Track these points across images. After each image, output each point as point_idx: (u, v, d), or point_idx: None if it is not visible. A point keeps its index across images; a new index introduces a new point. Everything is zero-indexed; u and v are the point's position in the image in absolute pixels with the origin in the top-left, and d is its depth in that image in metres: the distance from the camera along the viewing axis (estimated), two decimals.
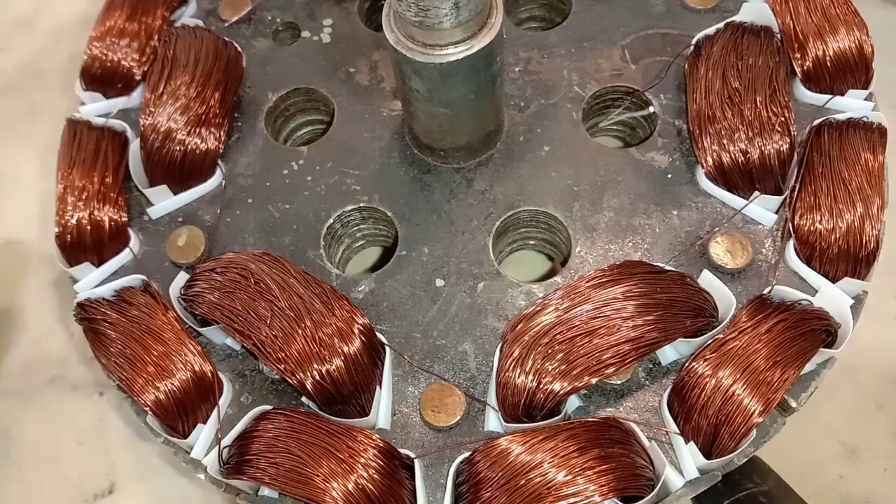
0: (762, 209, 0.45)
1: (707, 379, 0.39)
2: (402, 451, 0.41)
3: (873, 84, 0.47)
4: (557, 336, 0.40)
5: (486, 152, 0.49)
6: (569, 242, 0.46)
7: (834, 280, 0.43)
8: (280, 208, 0.49)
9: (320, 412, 0.42)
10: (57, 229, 0.47)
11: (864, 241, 0.42)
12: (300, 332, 0.41)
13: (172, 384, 0.42)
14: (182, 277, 0.45)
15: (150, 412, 0.42)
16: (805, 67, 0.47)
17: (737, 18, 0.49)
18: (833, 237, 0.42)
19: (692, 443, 0.39)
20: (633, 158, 0.48)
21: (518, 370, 0.40)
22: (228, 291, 0.43)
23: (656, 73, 0.50)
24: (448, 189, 0.48)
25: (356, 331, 0.42)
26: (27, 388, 0.55)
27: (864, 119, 0.45)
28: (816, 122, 0.46)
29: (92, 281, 0.47)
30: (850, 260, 0.42)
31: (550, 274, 0.49)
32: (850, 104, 0.47)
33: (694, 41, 0.49)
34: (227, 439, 0.41)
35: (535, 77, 0.51)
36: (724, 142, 0.45)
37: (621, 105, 0.51)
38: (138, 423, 0.43)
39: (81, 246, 0.47)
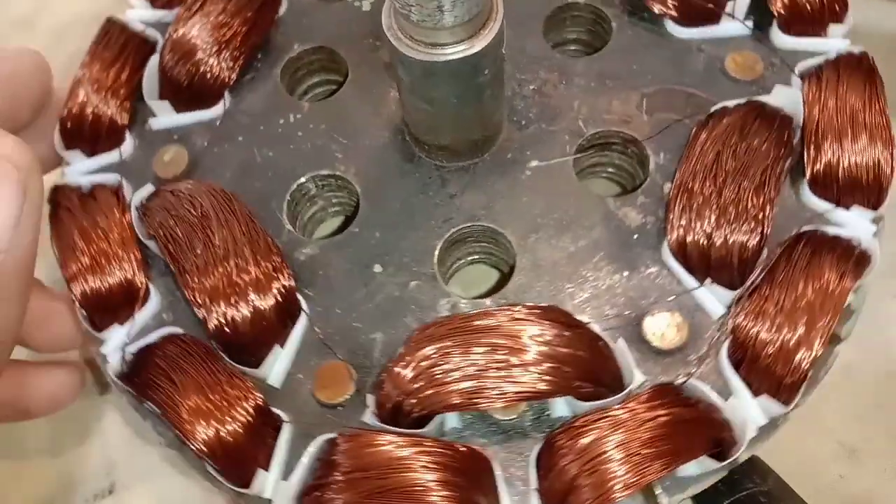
0: (713, 299, 0.43)
1: (572, 442, 0.39)
2: (276, 410, 0.43)
3: (884, 207, 0.44)
4: (453, 350, 0.40)
5: (470, 158, 0.49)
6: (512, 271, 0.46)
7: (756, 394, 0.41)
8: (263, 153, 0.50)
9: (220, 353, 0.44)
10: (64, 111, 0.50)
11: (791, 366, 0.39)
12: (220, 270, 0.43)
13: (102, 281, 0.45)
14: (147, 189, 0.48)
15: (77, 302, 0.45)
16: (815, 170, 0.44)
17: (764, 98, 0.47)
18: (766, 350, 0.40)
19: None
20: (607, 209, 0.47)
21: (404, 369, 0.40)
22: (175, 215, 0.45)
23: (667, 130, 0.48)
24: (422, 183, 0.49)
25: (275, 288, 0.44)
26: None
27: (850, 240, 0.42)
28: (805, 228, 0.44)
29: (79, 169, 0.50)
30: (774, 380, 0.40)
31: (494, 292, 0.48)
32: (851, 221, 0.44)
33: (712, 109, 0.47)
34: (133, 347, 0.44)
35: (545, 100, 0.50)
36: (693, 218, 0.43)
37: (615, 149, 0.49)
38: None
39: (79, 133, 0.50)
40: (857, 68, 0.46)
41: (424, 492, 0.38)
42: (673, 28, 0.51)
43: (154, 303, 0.46)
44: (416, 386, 0.40)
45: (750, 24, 0.50)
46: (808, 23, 0.49)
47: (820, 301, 0.40)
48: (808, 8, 0.49)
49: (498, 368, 0.39)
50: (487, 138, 0.48)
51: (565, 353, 0.40)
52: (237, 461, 0.41)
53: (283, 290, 0.44)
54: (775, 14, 0.49)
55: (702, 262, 0.43)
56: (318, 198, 0.51)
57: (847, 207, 0.44)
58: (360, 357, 0.44)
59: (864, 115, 0.44)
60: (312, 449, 0.41)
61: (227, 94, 0.52)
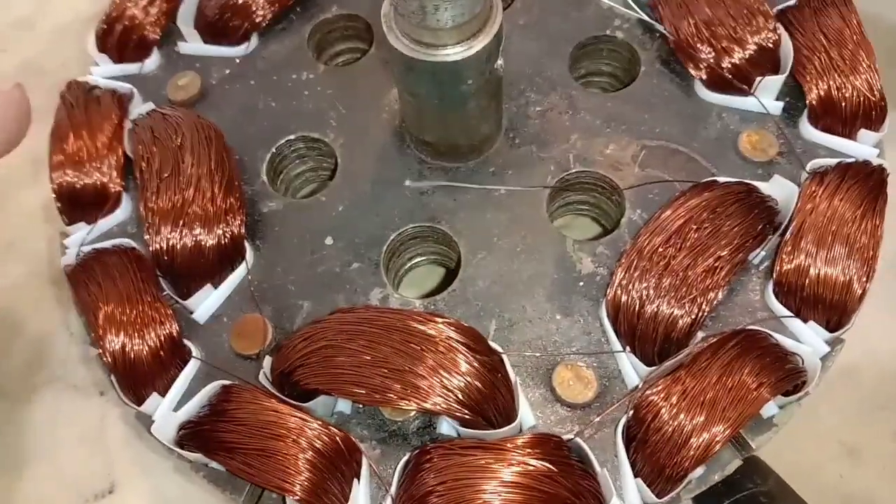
0: (631, 368, 0.42)
1: (439, 461, 0.39)
2: (189, 344, 0.44)
3: (843, 332, 0.41)
4: (357, 339, 0.40)
5: (453, 162, 0.49)
6: (450, 282, 0.46)
7: (637, 474, 0.39)
8: (266, 102, 0.52)
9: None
10: (104, 15, 0.53)
11: (676, 460, 0.38)
12: (176, 197, 0.45)
13: (79, 177, 0.48)
14: (147, 107, 0.50)
15: (53, 192, 0.48)
16: (783, 270, 0.42)
17: (759, 184, 0.44)
18: (657, 436, 0.39)
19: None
20: (564, 249, 0.46)
21: (303, 342, 0.41)
22: (157, 136, 0.47)
23: (653, 186, 0.47)
24: (400, 171, 0.49)
25: (222, 230, 0.45)
26: (27, 389, 0.55)
27: (789, 354, 0.40)
28: (750, 325, 0.41)
29: (103, 72, 0.53)
30: (656, 467, 0.38)
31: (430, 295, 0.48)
32: (804, 336, 0.42)
33: (703, 180, 0.45)
34: (88, 247, 0.47)
35: (546, 125, 0.49)
36: (634, 281, 0.42)
37: (601, 193, 0.48)
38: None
39: (111, 39, 0.53)
40: (864, 180, 0.43)
41: (284, 460, 0.39)
42: (699, 88, 0.49)
43: (123, 212, 0.49)
44: (308, 361, 0.40)
45: (779, 105, 0.48)
46: (840, 121, 0.46)
47: (727, 403, 0.38)
48: (843, 106, 0.46)
49: (395, 370, 0.39)
50: (473, 147, 0.48)
51: (464, 378, 0.39)
52: (136, 378, 0.43)
53: (229, 233, 0.45)
54: (808, 103, 0.47)
55: (629, 327, 0.42)
56: (301, 159, 0.52)
57: (805, 320, 0.42)
58: (283, 319, 0.46)
59: (853, 230, 0.42)
60: (206, 390, 0.43)
61: (255, 36, 0.54)
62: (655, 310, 0.41)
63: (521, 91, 0.50)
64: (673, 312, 0.40)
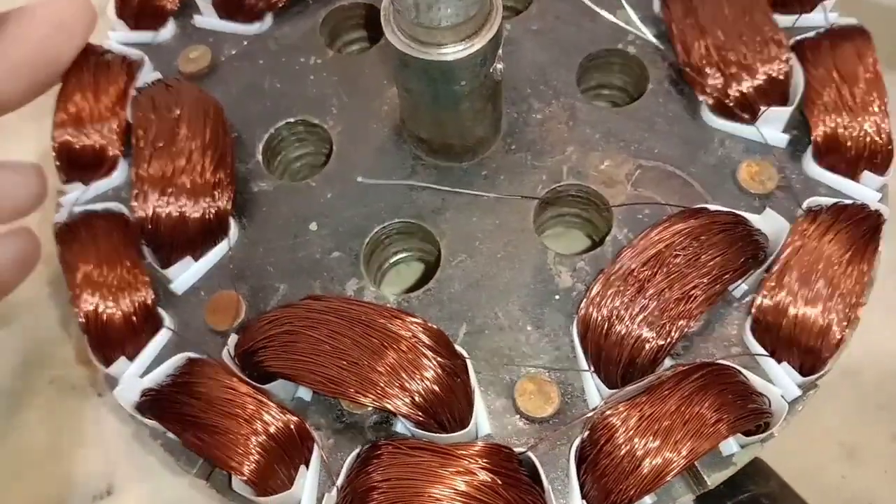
0: (594, 389, 0.41)
1: (389, 458, 0.38)
2: (163, 313, 0.45)
3: (818, 378, 0.40)
4: (321, 329, 0.41)
5: (446, 161, 0.48)
6: (426, 282, 0.46)
7: (584, 496, 0.39)
8: (272, 83, 0.52)
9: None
10: None
11: (623, 486, 0.37)
12: (167, 166, 0.45)
13: (79, 137, 0.48)
14: (153, 76, 0.51)
15: (53, 150, 0.49)
16: (762, 307, 0.41)
17: (750, 216, 0.43)
18: (608, 460, 0.38)
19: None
20: (544, 261, 0.45)
21: (269, 324, 0.42)
22: (157, 106, 0.48)
23: (643, 207, 0.46)
24: (393, 167, 0.49)
25: (207, 203, 0.46)
26: (26, 389, 0.55)
27: (755, 394, 0.39)
28: (719, 359, 0.41)
29: (119, 38, 0.54)
30: (604, 492, 0.38)
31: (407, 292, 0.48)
32: (777, 377, 0.41)
33: (693, 207, 0.44)
34: (80, 208, 0.48)
35: (545, 134, 0.49)
36: (607, 300, 0.41)
37: (585, 206, 0.48)
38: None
39: (129, 6, 0.54)
40: (858, 223, 0.42)
41: (235, 440, 0.40)
42: (705, 112, 0.48)
43: (119, 177, 0.49)
44: (270, 344, 0.41)
45: (784, 137, 0.47)
46: (844, 161, 0.45)
47: (682, 435, 0.37)
48: (848, 146, 0.45)
49: (354, 363, 0.39)
50: (467, 148, 0.48)
51: (423, 380, 0.39)
52: (106, 341, 0.44)
53: (215, 208, 0.46)
54: (812, 139, 0.45)
55: (596, 347, 0.41)
56: (301, 142, 0.52)
57: (779, 361, 0.41)
58: (258, 299, 0.46)
59: (838, 273, 0.40)
60: (172, 360, 0.43)
61: (270, 16, 0.54)
62: (623, 332, 0.40)
63: (523, 97, 0.50)
64: (641, 336, 0.40)
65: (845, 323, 0.40)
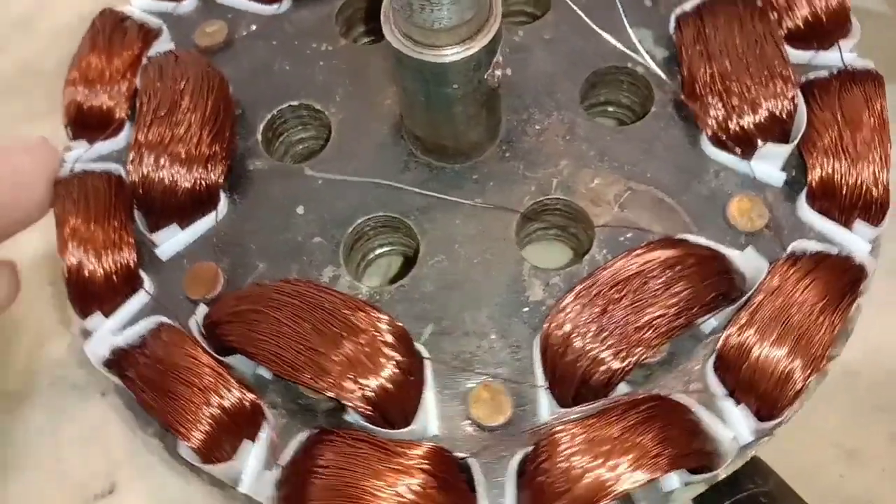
0: (547, 405, 0.41)
1: (322, 449, 0.39)
2: (145, 277, 0.46)
3: (773, 425, 0.39)
4: (284, 311, 0.41)
5: (439, 161, 0.49)
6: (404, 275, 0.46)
7: None
8: (281, 65, 0.53)
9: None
10: None
11: None
12: (168, 134, 0.46)
13: (88, 97, 0.50)
14: (166, 45, 0.52)
15: (64, 111, 0.50)
16: (727, 346, 0.41)
17: (732, 253, 0.43)
18: (544, 477, 0.38)
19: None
20: (519, 272, 0.45)
21: (236, 300, 0.42)
22: (163, 76, 0.49)
23: (626, 230, 0.45)
24: (387, 162, 0.49)
25: (199, 173, 0.47)
26: (28, 389, 0.55)
27: (703, 429, 0.38)
28: (676, 394, 0.40)
29: (140, 5, 0.55)
30: None
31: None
32: (731, 418, 0.40)
33: (674, 237, 0.44)
34: (80, 166, 0.49)
35: (539, 146, 0.49)
36: (570, 318, 0.40)
37: (564, 220, 0.47)
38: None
39: None
40: (838, 275, 0.41)
41: (186, 407, 0.41)
42: (704, 141, 0.47)
43: (123, 139, 0.51)
44: (234, 319, 0.42)
45: (782, 176, 0.46)
46: (837, 207, 0.44)
47: (621, 462, 0.37)
48: (843, 193, 0.43)
49: (310, 349, 0.40)
50: (460, 151, 0.48)
51: (377, 375, 0.40)
52: (85, 295, 0.45)
53: (207, 180, 0.47)
54: (808, 181, 0.44)
55: (552, 364, 0.41)
56: (304, 126, 0.53)
57: (737, 402, 0.40)
58: (237, 274, 0.47)
59: (809, 321, 0.39)
60: (144, 323, 0.44)
61: None
62: (580, 352, 0.40)
63: (525, 105, 0.50)
64: (596, 358, 0.39)
65: (809, 372, 0.39)
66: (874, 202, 0.43)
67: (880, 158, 0.43)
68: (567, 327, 0.41)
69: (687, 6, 0.50)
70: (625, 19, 0.48)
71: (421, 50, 0.40)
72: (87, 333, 0.45)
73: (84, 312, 0.45)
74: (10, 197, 0.44)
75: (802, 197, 0.45)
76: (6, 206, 0.44)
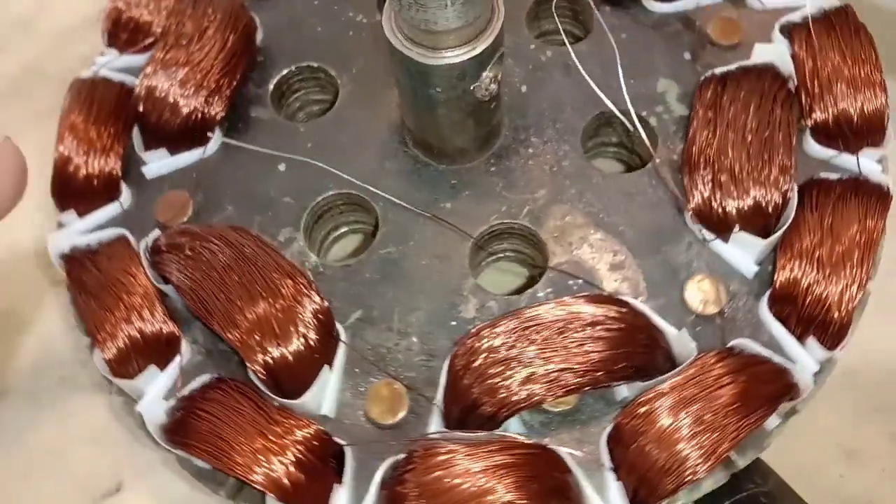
0: (438, 421, 0.41)
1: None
2: (124, 187, 0.49)
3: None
4: (221, 260, 0.43)
5: (424, 156, 0.49)
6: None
7: None
8: (314, 25, 0.54)
9: None
10: None
11: None
12: (183, 59, 0.49)
13: None
14: None
15: None
16: (618, 424, 0.39)
17: (662, 327, 0.41)
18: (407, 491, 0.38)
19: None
20: (459, 286, 0.45)
21: (178, 234, 0.44)
22: (195, 9, 0.50)
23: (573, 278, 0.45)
24: (378, 141, 0.50)
25: (197, 103, 0.48)
26: (35, 388, 0.55)
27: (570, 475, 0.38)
28: (551, 446, 0.40)
29: None
30: None
31: None
32: (611, 492, 0.39)
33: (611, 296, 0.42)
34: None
35: (527, 169, 0.48)
36: (472, 353, 0.40)
37: (527, 248, 0.47)
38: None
39: None
40: (763, 383, 0.39)
41: (107, 320, 0.44)
42: (687, 212, 0.45)
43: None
44: (172, 250, 0.44)
45: (754, 269, 0.44)
46: (796, 316, 0.42)
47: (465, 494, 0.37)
48: (806, 302, 0.41)
49: (228, 298, 0.41)
50: (444, 153, 0.48)
51: (283, 342, 0.41)
52: (66, 189, 0.48)
53: (202, 112, 0.49)
54: (773, 282, 0.42)
55: (450, 383, 0.41)
56: (322, 89, 0.54)
57: (617, 478, 0.39)
58: (206, 210, 0.49)
59: (715, 418, 0.38)
60: (107, 232, 0.47)
61: None
62: (475, 379, 0.40)
63: (526, 125, 0.49)
64: (489, 390, 0.39)
65: (698, 470, 0.38)
66: (833, 324, 0.40)
67: (854, 279, 0.40)
68: (474, 353, 0.41)
69: (719, 70, 0.48)
70: (620, 74, 0.46)
71: (408, 45, 0.40)
72: (60, 226, 0.48)
73: (61, 206, 0.48)
74: None
75: (766, 297, 0.43)
76: None
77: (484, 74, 0.42)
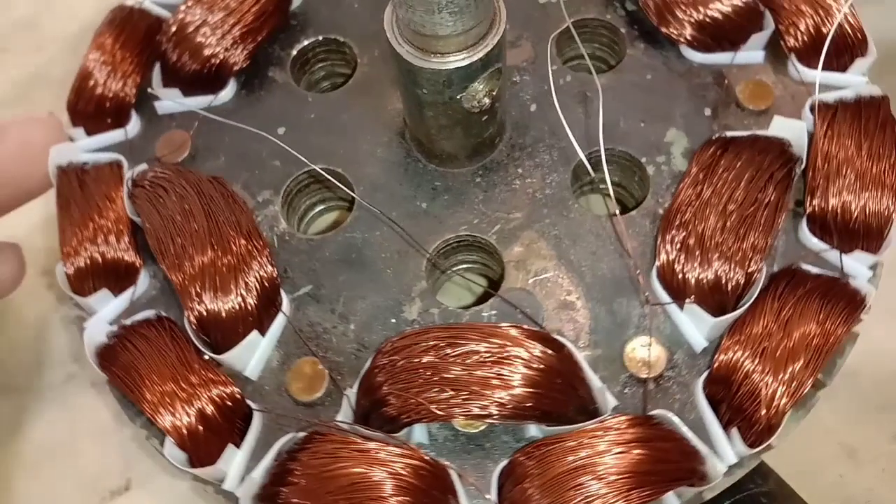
0: (345, 407, 0.42)
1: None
2: (135, 119, 0.51)
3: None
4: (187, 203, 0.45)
5: (416, 150, 0.49)
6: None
7: None
8: (353, 2, 0.54)
9: None
10: None
11: None
12: (212, 9, 0.50)
13: None
14: None
15: None
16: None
17: (586, 375, 0.40)
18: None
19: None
20: (410, 287, 0.45)
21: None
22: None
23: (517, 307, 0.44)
24: (379, 128, 0.50)
25: (220, 47, 0.50)
26: (44, 386, 0.55)
27: None
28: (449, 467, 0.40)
29: None
30: None
31: None
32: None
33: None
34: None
35: (511, 190, 0.47)
36: (383, 360, 0.40)
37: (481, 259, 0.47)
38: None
39: None
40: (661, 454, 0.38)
41: (73, 236, 0.46)
42: (654, 270, 0.44)
43: None
44: (147, 186, 0.46)
45: (702, 344, 0.42)
46: (727, 404, 0.40)
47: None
48: (736, 393, 0.40)
49: (182, 245, 0.43)
50: (433, 154, 0.48)
51: (218, 300, 0.42)
52: (80, 104, 0.51)
53: (219, 59, 0.50)
54: (710, 363, 0.41)
55: (365, 378, 0.41)
56: (344, 63, 0.55)
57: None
58: (202, 155, 0.50)
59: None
60: (105, 155, 0.49)
61: None
62: (382, 381, 0.40)
63: (523, 145, 0.49)
64: (390, 394, 0.39)
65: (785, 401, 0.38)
66: (758, 422, 0.39)
67: (792, 382, 0.38)
68: (396, 353, 0.41)
69: (730, 133, 0.46)
70: (601, 116, 0.45)
71: (401, 42, 0.40)
72: (71, 138, 0.51)
73: (73, 121, 0.51)
74: (20, 167, 0.46)
75: (705, 374, 0.41)
76: (17, 177, 0.46)
77: (472, 86, 0.41)
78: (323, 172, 0.47)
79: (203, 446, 0.41)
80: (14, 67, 0.66)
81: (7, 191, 0.46)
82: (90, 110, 0.51)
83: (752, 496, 0.42)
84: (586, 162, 0.44)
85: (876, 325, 0.43)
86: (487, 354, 0.40)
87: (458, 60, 0.39)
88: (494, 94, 0.43)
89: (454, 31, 0.38)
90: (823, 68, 0.48)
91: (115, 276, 0.46)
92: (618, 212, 0.44)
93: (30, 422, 0.54)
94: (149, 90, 0.51)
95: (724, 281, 0.41)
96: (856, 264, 0.43)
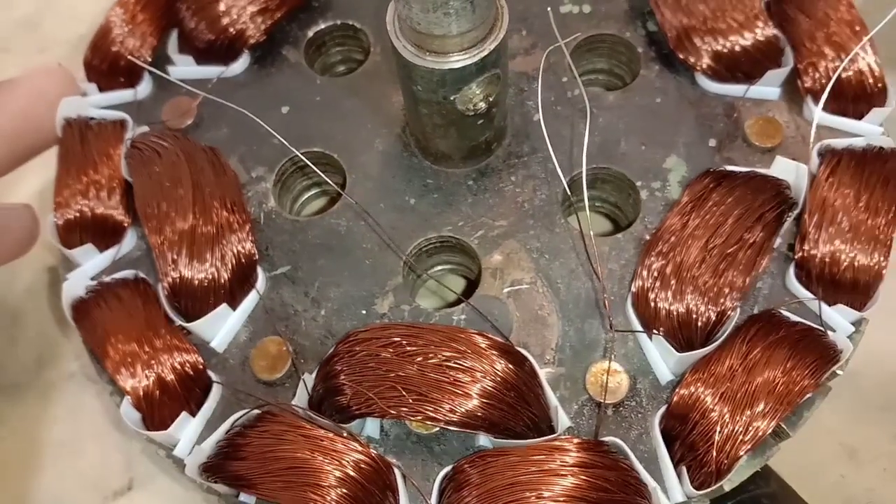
0: (301, 392, 0.42)
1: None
2: (146, 82, 0.52)
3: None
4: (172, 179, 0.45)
5: (415, 146, 0.49)
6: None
7: None
8: None
9: None
10: None
11: None
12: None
13: None
14: None
15: None
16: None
17: (545, 393, 0.40)
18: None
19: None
20: (384, 282, 0.45)
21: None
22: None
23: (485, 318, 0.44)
24: (385, 121, 0.50)
25: (235, 17, 0.50)
26: (46, 384, 0.55)
27: None
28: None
29: None
30: None
31: None
32: None
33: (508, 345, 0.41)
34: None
35: (500, 201, 0.47)
36: (345, 352, 0.40)
37: (462, 260, 0.46)
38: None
39: None
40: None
41: (66, 188, 0.46)
42: (629, 307, 0.43)
43: None
44: (142, 151, 0.47)
45: (669, 378, 0.41)
46: (681, 441, 0.39)
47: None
48: (691, 432, 0.39)
49: (164, 211, 0.44)
50: (428, 152, 0.48)
51: (192, 267, 0.43)
52: (95, 60, 0.52)
53: (232, 31, 0.51)
54: (668, 399, 0.40)
55: (322, 367, 0.42)
56: (360, 50, 0.55)
57: None
58: (205, 125, 0.51)
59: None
60: (109, 112, 0.50)
61: None
62: (340, 369, 0.40)
63: (521, 154, 0.48)
64: (342, 385, 0.39)
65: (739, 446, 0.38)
66: (707, 464, 0.38)
67: (748, 429, 0.38)
68: (359, 344, 0.41)
69: (729, 167, 0.45)
70: (586, 139, 0.44)
71: (399, 36, 0.40)
72: (84, 93, 0.52)
73: (88, 76, 0.52)
74: (37, 116, 0.47)
75: (662, 409, 0.41)
76: (34, 126, 0.47)
77: (468, 89, 0.41)
78: (303, 158, 0.48)
79: (158, 410, 0.41)
80: (15, 67, 0.64)
81: (23, 140, 0.47)
82: (105, 67, 0.52)
83: (753, 497, 0.42)
84: (565, 183, 0.44)
85: (877, 326, 0.43)
86: (446, 359, 0.40)
87: (452, 62, 0.39)
88: (492, 99, 0.42)
89: (449, 32, 0.38)
90: (839, 113, 0.47)
91: (103, 233, 0.47)
92: (592, 234, 0.44)
93: (31, 422, 0.54)
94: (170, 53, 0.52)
95: (694, 316, 0.40)
96: (838, 318, 0.41)
